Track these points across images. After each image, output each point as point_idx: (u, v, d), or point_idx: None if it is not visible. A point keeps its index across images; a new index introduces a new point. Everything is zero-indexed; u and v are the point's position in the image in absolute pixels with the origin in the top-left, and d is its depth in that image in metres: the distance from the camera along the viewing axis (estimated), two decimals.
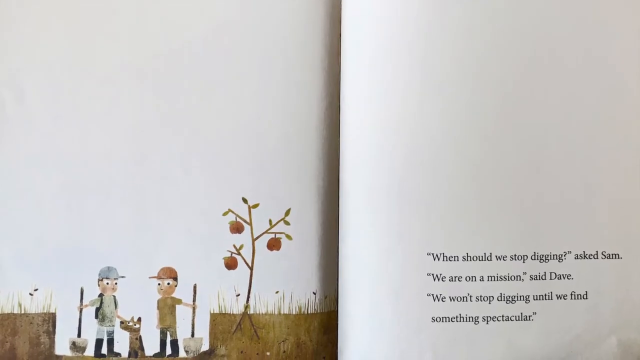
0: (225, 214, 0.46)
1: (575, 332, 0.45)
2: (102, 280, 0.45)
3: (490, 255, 0.45)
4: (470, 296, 0.44)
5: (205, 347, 0.45)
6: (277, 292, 0.46)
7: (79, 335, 0.45)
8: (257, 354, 0.46)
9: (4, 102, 0.46)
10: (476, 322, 0.44)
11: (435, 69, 0.46)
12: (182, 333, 0.46)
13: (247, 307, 0.46)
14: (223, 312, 0.46)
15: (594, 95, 0.46)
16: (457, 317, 0.44)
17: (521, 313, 0.44)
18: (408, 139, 0.45)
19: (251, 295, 0.46)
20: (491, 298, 0.44)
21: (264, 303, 0.46)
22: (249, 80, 0.47)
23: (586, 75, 0.46)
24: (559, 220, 0.45)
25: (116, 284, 0.45)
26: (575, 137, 0.46)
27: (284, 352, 0.46)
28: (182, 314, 0.46)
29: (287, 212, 0.46)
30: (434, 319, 0.44)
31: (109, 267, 0.45)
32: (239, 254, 0.46)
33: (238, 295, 0.46)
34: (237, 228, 0.46)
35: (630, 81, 0.47)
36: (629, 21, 0.47)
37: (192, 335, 0.46)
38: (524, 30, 0.46)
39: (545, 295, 0.45)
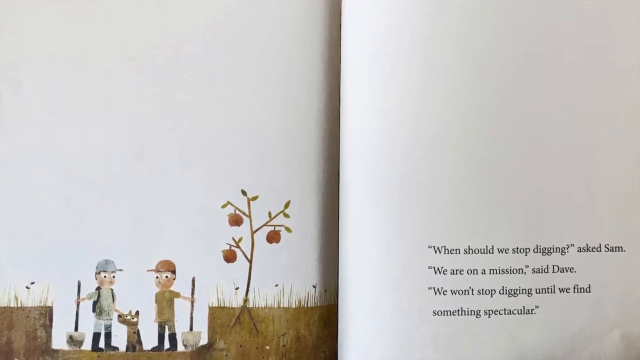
0: (224, 206, 0.46)
1: (577, 326, 0.44)
2: (99, 273, 0.45)
3: (492, 248, 0.44)
4: (472, 289, 0.44)
5: (204, 341, 0.45)
6: (276, 286, 0.45)
7: (76, 329, 0.45)
8: (257, 348, 0.45)
9: (0, 96, 0.46)
10: (478, 316, 0.44)
11: (436, 61, 0.45)
12: (181, 327, 0.45)
13: (246, 300, 0.45)
14: (222, 305, 0.45)
15: (595, 88, 0.46)
16: (458, 310, 0.44)
17: (523, 307, 0.44)
18: (409, 131, 0.45)
19: (250, 288, 0.45)
20: (493, 291, 0.44)
21: (263, 296, 0.45)
22: (248, 72, 0.47)
23: (588, 69, 0.46)
24: (562, 213, 0.45)
25: (114, 277, 0.45)
26: (578, 130, 0.46)
27: (284, 346, 0.45)
28: (181, 307, 0.45)
29: (287, 205, 0.46)
30: (435, 313, 0.44)
31: (106, 260, 0.45)
32: (238, 246, 0.46)
33: (237, 288, 0.45)
34: (236, 221, 0.46)
35: (631, 74, 0.46)
36: (630, 15, 0.47)
37: (191, 329, 0.45)
38: (526, 22, 0.46)
39: (548, 288, 0.44)
